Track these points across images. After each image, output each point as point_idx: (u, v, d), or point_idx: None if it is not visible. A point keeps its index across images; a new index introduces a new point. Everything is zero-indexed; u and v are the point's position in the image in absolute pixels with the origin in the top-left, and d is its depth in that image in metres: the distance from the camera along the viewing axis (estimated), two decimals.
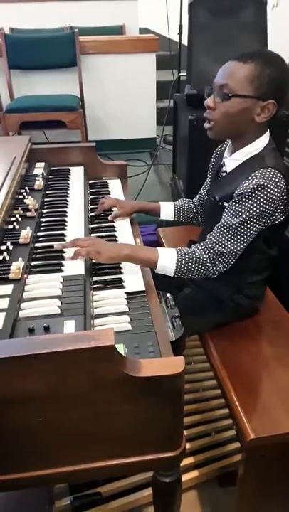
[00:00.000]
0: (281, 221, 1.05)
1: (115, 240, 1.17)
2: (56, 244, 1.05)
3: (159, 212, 1.33)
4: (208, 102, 1.03)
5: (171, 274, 1.04)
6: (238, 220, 1.00)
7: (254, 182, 0.97)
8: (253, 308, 1.23)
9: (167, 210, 1.34)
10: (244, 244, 1.02)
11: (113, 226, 1.24)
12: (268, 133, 1.06)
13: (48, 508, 1.12)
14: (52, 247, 1.06)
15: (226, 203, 1.06)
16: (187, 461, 1.24)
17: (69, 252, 1.04)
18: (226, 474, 1.22)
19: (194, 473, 1.23)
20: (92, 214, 1.31)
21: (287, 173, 1.02)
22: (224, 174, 1.13)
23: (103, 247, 1.02)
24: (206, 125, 1.06)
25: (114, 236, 1.19)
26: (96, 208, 1.33)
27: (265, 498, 1.05)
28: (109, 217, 1.26)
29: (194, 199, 1.35)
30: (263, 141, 1.04)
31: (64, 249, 1.04)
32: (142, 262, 1.04)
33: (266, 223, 1.03)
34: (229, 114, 1.00)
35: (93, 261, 1.07)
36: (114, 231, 1.22)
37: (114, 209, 1.29)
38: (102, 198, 1.37)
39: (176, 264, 1.02)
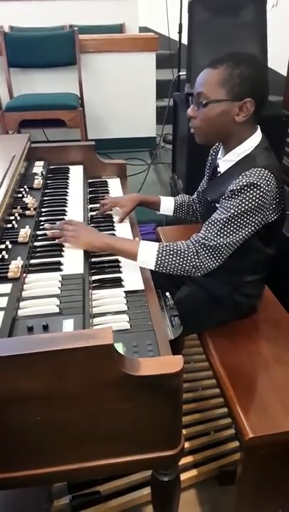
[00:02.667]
0: (274, 220, 1.05)
1: None
2: (48, 231, 1.09)
3: (160, 207, 1.34)
4: (189, 111, 1.06)
5: (153, 267, 1.03)
6: (225, 216, 1.00)
7: (244, 180, 0.98)
8: (251, 307, 1.23)
9: (167, 205, 1.34)
10: (232, 239, 1.01)
11: (112, 225, 1.24)
12: (258, 132, 1.06)
13: (47, 506, 1.12)
14: (50, 245, 1.06)
15: (218, 205, 1.06)
16: (186, 460, 1.25)
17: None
18: (225, 473, 1.22)
19: (193, 472, 1.23)
20: (92, 214, 1.30)
21: (280, 172, 1.02)
22: (218, 175, 1.14)
23: (83, 234, 1.05)
24: (192, 131, 1.09)
25: (114, 235, 1.19)
26: (96, 206, 1.33)
27: (264, 497, 1.05)
28: (117, 221, 1.25)
29: (194, 196, 1.35)
30: (254, 140, 1.05)
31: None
32: (122, 252, 1.05)
33: (257, 222, 1.01)
34: (208, 120, 1.02)
35: (93, 260, 1.07)
36: (114, 230, 1.22)
37: (115, 208, 1.29)
38: (102, 196, 1.37)
39: (157, 255, 1.01)
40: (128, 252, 1.03)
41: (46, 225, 1.11)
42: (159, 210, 1.35)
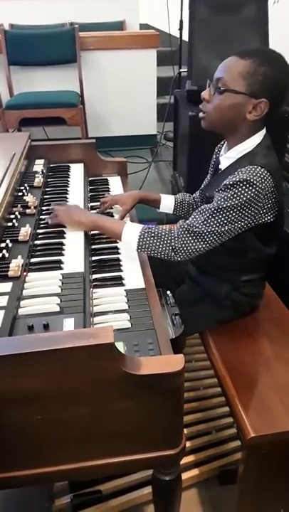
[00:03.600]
0: (270, 219, 1.04)
1: (115, 240, 1.15)
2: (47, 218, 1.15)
3: (160, 204, 1.33)
4: (204, 94, 1.05)
5: (134, 247, 1.04)
6: (214, 206, 1.00)
7: (238, 176, 0.98)
8: (251, 306, 1.22)
9: (167, 203, 1.33)
10: (216, 229, 0.99)
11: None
12: (263, 131, 1.05)
13: (48, 505, 1.12)
14: (51, 244, 1.06)
15: None
16: (187, 459, 1.24)
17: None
18: (227, 472, 1.22)
19: (195, 472, 1.23)
20: (93, 212, 1.30)
21: (279, 171, 1.02)
22: (219, 172, 1.13)
23: (74, 212, 1.12)
24: (200, 115, 1.08)
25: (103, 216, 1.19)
26: (96, 205, 1.33)
27: (266, 496, 1.05)
28: (117, 218, 1.24)
29: (195, 194, 1.34)
30: (256, 139, 1.04)
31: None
32: (108, 231, 1.10)
33: (247, 219, 1.00)
34: (221, 108, 1.01)
35: (93, 258, 1.07)
36: None
37: (116, 206, 1.29)
38: (103, 195, 1.36)
39: (139, 236, 1.03)
40: (113, 231, 1.07)
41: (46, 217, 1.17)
42: (159, 208, 1.34)
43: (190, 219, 1.03)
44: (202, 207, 1.03)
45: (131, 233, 1.04)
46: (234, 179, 0.98)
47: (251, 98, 0.97)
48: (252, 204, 0.98)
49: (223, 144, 1.20)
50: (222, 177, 1.07)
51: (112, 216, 1.27)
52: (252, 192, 0.97)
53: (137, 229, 1.04)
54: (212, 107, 1.03)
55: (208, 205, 1.02)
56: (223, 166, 1.11)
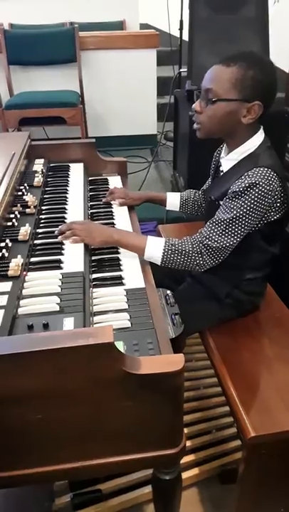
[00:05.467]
0: (277, 218, 1.05)
1: None
2: (56, 231, 1.09)
3: (166, 203, 1.36)
4: (196, 106, 1.05)
5: (159, 263, 1.06)
6: (229, 216, 1.01)
7: (247, 181, 0.98)
8: (253, 305, 1.22)
9: (173, 201, 1.36)
10: (234, 240, 1.03)
11: (113, 223, 1.24)
12: (261, 131, 1.06)
13: (48, 504, 1.12)
14: (51, 243, 1.06)
15: (221, 203, 1.07)
16: (188, 458, 1.24)
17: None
18: (227, 472, 1.22)
19: (195, 471, 1.23)
20: (93, 211, 1.30)
21: (282, 171, 1.02)
22: (221, 174, 1.14)
23: (96, 232, 1.07)
24: (195, 126, 1.08)
25: (119, 229, 1.17)
26: (95, 204, 1.33)
27: (266, 496, 1.05)
28: (118, 202, 1.29)
29: (201, 190, 1.36)
30: (257, 140, 1.05)
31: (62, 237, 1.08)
32: (130, 248, 1.07)
33: (259, 220, 1.03)
34: (215, 118, 1.02)
35: (93, 257, 1.07)
36: (113, 219, 1.22)
37: (119, 200, 1.31)
38: (103, 194, 1.36)
39: (163, 253, 1.04)
40: (136, 247, 1.06)
41: (56, 232, 1.09)
42: (165, 206, 1.37)
43: (207, 231, 1.04)
44: (216, 218, 1.04)
45: (154, 249, 1.05)
46: (243, 185, 0.98)
47: (244, 103, 0.98)
48: (262, 206, 1.00)
49: (222, 147, 1.20)
50: (225, 179, 1.08)
51: (112, 215, 1.27)
52: (260, 195, 0.98)
53: (160, 244, 1.05)
54: (206, 117, 1.03)
55: (222, 214, 1.03)
56: (224, 168, 1.12)
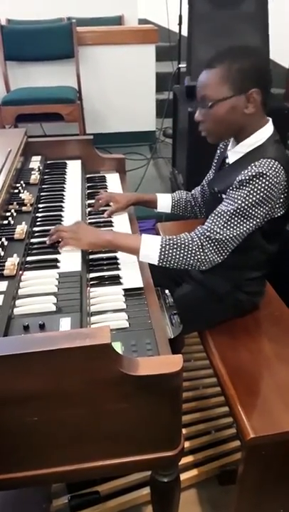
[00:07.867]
0: (281, 215, 1.03)
1: None
2: (47, 241, 1.04)
3: (156, 205, 1.31)
4: (197, 117, 1.05)
5: (156, 262, 1.00)
6: (233, 207, 0.98)
7: (253, 170, 0.96)
8: (253, 304, 1.21)
9: (164, 203, 1.31)
10: (237, 232, 0.98)
11: (111, 221, 1.22)
12: (269, 124, 1.04)
13: (46, 506, 1.11)
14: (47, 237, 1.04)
15: (224, 196, 1.04)
16: (187, 459, 1.23)
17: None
18: (226, 473, 1.22)
19: (194, 472, 1.22)
20: (90, 209, 1.28)
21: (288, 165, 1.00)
22: (226, 166, 1.12)
23: (83, 234, 1.01)
24: (203, 134, 1.07)
25: (112, 231, 1.16)
26: (94, 202, 1.31)
27: (265, 497, 1.04)
28: (105, 214, 1.23)
29: (194, 190, 1.33)
30: (265, 132, 1.03)
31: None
32: (124, 248, 1.02)
33: (263, 214, 0.99)
34: (218, 119, 1.01)
35: (90, 256, 1.05)
36: (112, 226, 1.20)
37: (112, 204, 1.27)
38: (100, 192, 1.34)
39: (160, 249, 0.98)
40: (130, 247, 1.01)
41: (48, 242, 1.05)
42: (156, 208, 1.31)
43: (208, 224, 1.00)
44: (219, 209, 1.00)
45: (150, 247, 0.98)
46: (249, 174, 0.96)
47: (240, 95, 0.97)
48: (268, 198, 0.97)
49: (228, 140, 1.18)
50: (231, 171, 1.06)
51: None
52: (267, 186, 0.96)
53: (156, 241, 0.99)
54: (210, 123, 1.03)
55: (225, 206, 0.99)
56: (230, 160, 1.10)
